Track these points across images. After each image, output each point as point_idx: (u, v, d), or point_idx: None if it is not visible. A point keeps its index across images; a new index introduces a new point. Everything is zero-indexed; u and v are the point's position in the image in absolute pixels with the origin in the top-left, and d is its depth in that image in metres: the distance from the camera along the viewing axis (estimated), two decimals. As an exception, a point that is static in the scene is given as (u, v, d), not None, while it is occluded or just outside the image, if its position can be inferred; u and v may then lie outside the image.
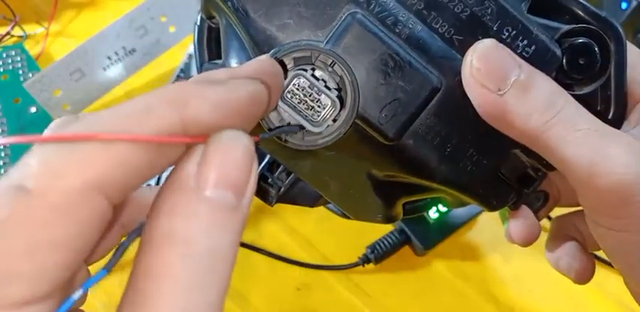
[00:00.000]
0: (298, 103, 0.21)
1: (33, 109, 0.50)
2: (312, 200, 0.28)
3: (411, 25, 0.23)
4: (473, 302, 0.43)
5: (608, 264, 0.40)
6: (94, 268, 0.19)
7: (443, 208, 0.43)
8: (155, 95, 0.15)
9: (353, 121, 0.22)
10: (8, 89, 0.50)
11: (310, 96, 0.21)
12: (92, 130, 0.14)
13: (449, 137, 0.24)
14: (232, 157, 0.15)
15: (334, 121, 0.22)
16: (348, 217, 0.28)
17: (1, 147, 0.47)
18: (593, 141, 0.21)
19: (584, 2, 0.24)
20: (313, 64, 0.22)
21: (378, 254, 0.43)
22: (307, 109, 0.21)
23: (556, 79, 0.23)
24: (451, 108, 0.23)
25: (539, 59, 0.23)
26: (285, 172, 0.27)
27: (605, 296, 0.39)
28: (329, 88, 0.21)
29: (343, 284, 0.44)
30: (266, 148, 0.25)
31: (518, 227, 0.27)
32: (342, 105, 0.22)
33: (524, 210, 0.27)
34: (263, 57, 0.19)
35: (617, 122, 0.24)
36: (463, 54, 0.23)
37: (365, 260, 0.43)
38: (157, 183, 0.44)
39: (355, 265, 0.43)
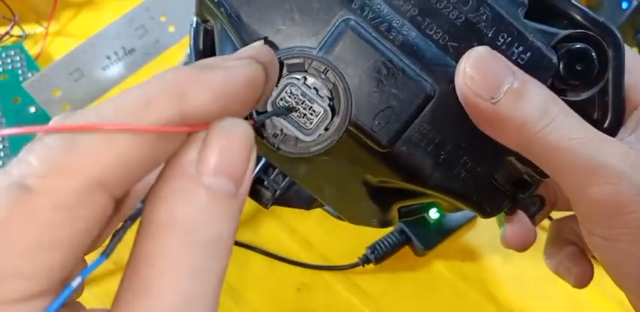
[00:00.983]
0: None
1: (32, 109, 0.49)
2: (307, 203, 0.28)
3: (405, 32, 0.23)
4: (473, 302, 0.43)
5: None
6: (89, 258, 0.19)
7: (443, 209, 0.43)
8: (153, 86, 0.15)
9: (346, 128, 0.22)
10: (7, 89, 0.50)
11: (302, 103, 0.21)
12: (93, 123, 0.14)
13: (443, 144, 0.23)
14: (233, 145, 0.15)
15: (326, 129, 0.22)
16: (344, 219, 0.28)
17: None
18: (587, 150, 0.21)
19: (583, 7, 0.23)
20: (306, 71, 0.21)
21: (378, 254, 0.43)
22: (299, 117, 0.21)
23: (552, 85, 0.23)
24: (445, 115, 0.23)
25: (534, 66, 0.23)
26: (281, 175, 0.27)
27: (605, 296, 0.40)
28: (321, 97, 0.21)
29: (343, 284, 0.44)
30: (260, 152, 0.25)
31: (514, 232, 0.27)
32: (334, 113, 0.22)
33: (520, 215, 0.27)
34: (256, 43, 0.19)
35: (613, 129, 0.24)
36: (458, 60, 0.22)
37: (365, 260, 0.43)
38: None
39: (355, 265, 0.43)
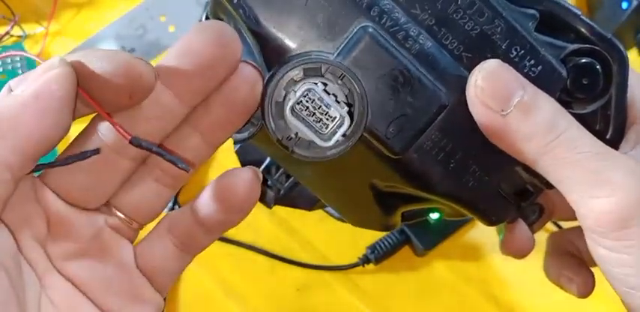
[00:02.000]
0: (307, 115, 0.21)
1: None
2: (310, 203, 0.28)
3: (421, 41, 0.23)
4: (473, 302, 0.43)
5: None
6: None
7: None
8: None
9: (361, 134, 0.22)
10: (7, 89, 0.50)
11: (320, 108, 0.21)
12: None
13: (453, 153, 0.24)
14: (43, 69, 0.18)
15: (344, 135, 0.22)
16: (345, 221, 0.28)
17: None
18: (594, 164, 0.22)
19: (591, 22, 0.24)
20: (322, 76, 0.22)
21: (378, 254, 0.43)
22: (316, 122, 0.21)
23: (559, 98, 0.23)
24: (457, 124, 0.23)
25: (544, 79, 0.23)
26: (285, 175, 0.27)
27: (605, 296, 0.39)
28: (339, 102, 0.22)
29: (343, 284, 0.44)
30: (266, 152, 0.25)
31: (513, 240, 0.27)
32: (352, 120, 0.22)
33: (520, 223, 0.27)
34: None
35: (615, 142, 0.24)
36: (471, 71, 0.23)
37: (365, 260, 0.43)
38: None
39: (355, 265, 0.43)
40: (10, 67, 0.52)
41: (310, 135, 0.21)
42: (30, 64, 0.52)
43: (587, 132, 0.22)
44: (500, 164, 0.24)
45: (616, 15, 0.49)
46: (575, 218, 0.23)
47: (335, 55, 0.22)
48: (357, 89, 0.22)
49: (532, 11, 0.24)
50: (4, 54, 0.48)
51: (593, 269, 0.29)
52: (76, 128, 0.20)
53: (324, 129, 0.21)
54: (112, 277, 0.21)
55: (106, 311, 0.21)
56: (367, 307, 0.43)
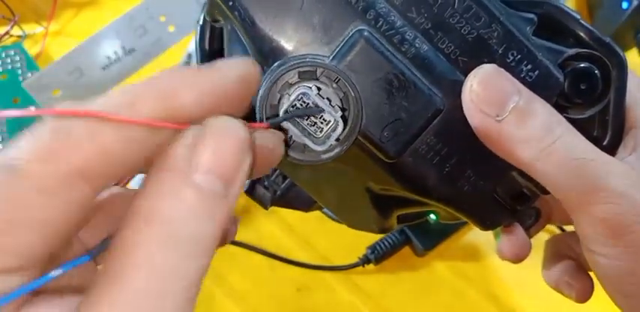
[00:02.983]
0: (301, 119, 0.21)
1: (32, 109, 0.49)
2: (307, 205, 0.28)
3: (417, 45, 0.23)
4: (473, 302, 0.43)
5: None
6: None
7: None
8: (143, 84, 0.15)
9: (355, 138, 0.22)
10: (7, 89, 0.50)
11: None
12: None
13: (448, 157, 0.24)
14: (228, 145, 0.15)
15: (337, 140, 0.22)
16: (342, 223, 0.28)
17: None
18: (590, 170, 0.22)
19: (590, 27, 0.24)
20: (317, 79, 0.22)
21: (378, 255, 0.43)
22: (310, 125, 0.21)
23: (556, 102, 0.23)
24: (452, 129, 0.23)
25: (541, 84, 0.23)
26: (281, 176, 0.27)
27: (605, 296, 0.39)
28: (333, 106, 0.22)
29: (343, 285, 0.44)
30: None
31: (510, 244, 0.27)
32: (346, 124, 0.22)
33: (516, 227, 0.27)
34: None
35: (612, 148, 0.24)
36: (467, 75, 0.23)
37: (365, 260, 0.43)
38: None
39: (355, 265, 0.43)
40: (9, 67, 0.52)
41: (304, 139, 0.21)
42: (30, 65, 0.52)
43: (583, 138, 0.22)
44: (495, 169, 0.24)
45: (616, 15, 0.49)
46: (572, 222, 0.23)
47: (330, 58, 0.22)
48: (352, 93, 0.22)
49: (530, 15, 0.24)
50: None
51: (591, 273, 0.29)
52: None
53: (318, 133, 0.21)
54: None
55: None
56: (367, 307, 0.43)
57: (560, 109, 0.23)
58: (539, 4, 0.24)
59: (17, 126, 0.48)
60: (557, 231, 0.42)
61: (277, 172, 0.27)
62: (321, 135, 0.21)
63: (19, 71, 0.51)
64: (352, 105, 0.22)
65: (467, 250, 0.45)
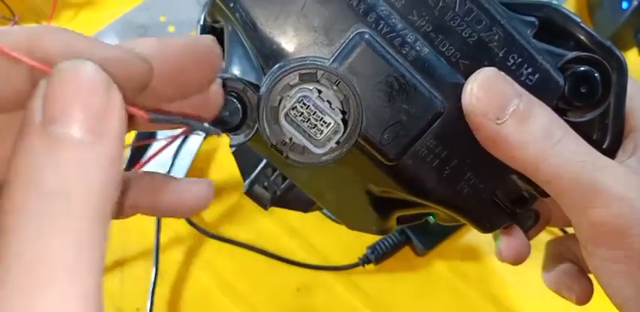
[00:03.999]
0: (302, 121, 0.21)
1: None
2: (306, 206, 0.28)
3: (418, 47, 0.23)
4: (473, 302, 0.43)
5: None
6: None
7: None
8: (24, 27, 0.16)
9: (355, 140, 0.22)
10: (7, 89, 0.50)
11: (314, 114, 0.21)
12: None
13: (448, 160, 0.24)
14: (77, 86, 0.14)
15: (337, 143, 0.22)
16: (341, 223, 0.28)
17: None
18: (590, 173, 0.22)
19: (591, 30, 0.24)
20: (318, 82, 0.22)
21: (378, 254, 0.43)
22: (310, 128, 0.21)
23: (556, 106, 0.23)
24: (452, 132, 0.23)
25: (542, 88, 0.23)
26: (281, 177, 0.27)
27: (604, 298, 0.39)
28: (333, 109, 0.22)
29: (343, 285, 0.44)
30: (262, 154, 0.25)
31: (509, 246, 0.27)
32: (347, 127, 0.22)
33: (515, 229, 0.27)
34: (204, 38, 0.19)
35: (612, 151, 0.24)
36: (468, 78, 0.23)
37: (365, 260, 0.43)
38: (169, 170, 0.44)
39: (355, 265, 0.43)
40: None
41: (304, 141, 0.21)
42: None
43: (583, 141, 0.22)
44: (495, 172, 0.24)
45: (616, 15, 0.49)
46: (572, 225, 0.23)
47: (331, 60, 0.22)
48: (352, 95, 0.22)
49: (531, 19, 0.24)
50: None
51: (591, 276, 0.29)
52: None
53: (318, 135, 0.21)
54: None
55: None
56: (367, 307, 0.43)
57: (560, 112, 0.23)
58: (540, 8, 0.24)
59: None
60: (558, 232, 0.42)
61: (277, 172, 0.27)
62: (321, 137, 0.21)
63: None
64: (352, 108, 0.22)
65: (467, 250, 0.45)
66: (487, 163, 0.24)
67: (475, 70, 0.23)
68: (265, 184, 0.27)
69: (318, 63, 0.22)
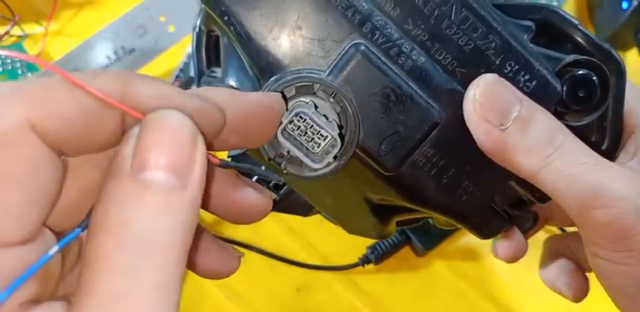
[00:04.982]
0: (299, 135, 0.21)
1: None
2: (306, 210, 0.28)
3: (414, 57, 0.23)
4: (473, 302, 0.43)
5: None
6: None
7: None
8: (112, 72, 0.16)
9: (353, 153, 0.22)
10: (7, 89, 0.50)
11: (311, 127, 0.21)
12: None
13: (445, 168, 0.24)
14: (169, 136, 0.15)
15: (335, 157, 0.22)
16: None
17: None
18: (593, 175, 0.22)
19: (589, 33, 0.24)
20: (314, 94, 0.22)
21: (378, 254, 0.43)
22: (308, 141, 0.21)
23: (554, 109, 0.23)
24: (450, 140, 0.23)
25: (539, 94, 0.23)
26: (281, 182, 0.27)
27: (605, 296, 0.39)
28: (330, 122, 0.22)
29: (343, 285, 0.44)
30: (262, 161, 0.25)
31: (506, 247, 0.28)
32: (343, 142, 0.22)
33: (514, 230, 0.27)
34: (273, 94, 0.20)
35: (610, 153, 0.24)
36: (465, 87, 0.23)
37: (365, 260, 0.43)
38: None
39: (355, 265, 0.43)
40: (10, 67, 0.52)
41: (301, 155, 0.21)
42: (29, 65, 0.52)
43: (584, 144, 0.23)
44: (493, 179, 0.24)
45: (616, 15, 0.49)
46: (573, 224, 0.23)
47: (327, 73, 0.22)
48: (349, 108, 0.22)
49: (528, 23, 0.24)
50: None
51: (590, 275, 0.30)
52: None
53: (315, 148, 0.21)
54: None
55: None
56: (367, 307, 0.43)
57: (558, 115, 0.23)
58: (538, 10, 0.24)
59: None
60: (557, 230, 0.42)
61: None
62: (318, 150, 0.21)
63: (19, 71, 0.51)
64: (349, 120, 0.22)
65: (466, 250, 0.45)
66: (485, 170, 0.24)
67: (472, 79, 0.23)
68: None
69: (314, 76, 0.22)
